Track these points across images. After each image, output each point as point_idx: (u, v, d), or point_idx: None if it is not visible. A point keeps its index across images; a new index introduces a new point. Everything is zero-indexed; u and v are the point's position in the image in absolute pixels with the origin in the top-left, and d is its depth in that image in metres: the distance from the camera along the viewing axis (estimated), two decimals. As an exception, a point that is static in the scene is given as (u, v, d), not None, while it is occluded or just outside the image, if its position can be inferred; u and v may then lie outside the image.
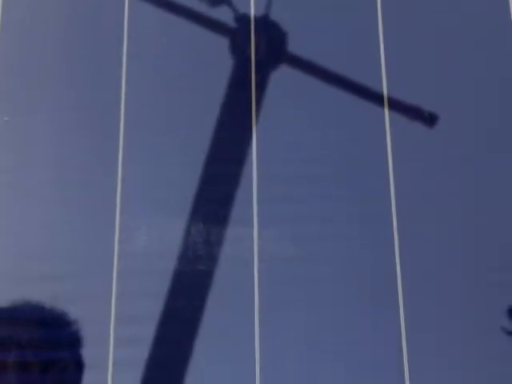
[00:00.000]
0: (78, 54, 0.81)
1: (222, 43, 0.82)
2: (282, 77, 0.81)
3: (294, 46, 0.82)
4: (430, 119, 0.79)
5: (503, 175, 0.77)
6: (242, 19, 0.83)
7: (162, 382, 0.72)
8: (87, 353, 0.72)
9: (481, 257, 0.75)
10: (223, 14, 0.83)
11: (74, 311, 0.73)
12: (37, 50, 0.81)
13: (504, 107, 0.80)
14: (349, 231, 0.76)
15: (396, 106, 0.79)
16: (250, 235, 0.75)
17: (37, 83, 0.80)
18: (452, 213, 0.76)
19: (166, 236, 0.75)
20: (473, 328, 0.73)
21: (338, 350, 0.72)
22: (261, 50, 0.82)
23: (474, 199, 0.77)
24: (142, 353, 0.72)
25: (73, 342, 0.72)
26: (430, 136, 0.79)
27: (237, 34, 0.82)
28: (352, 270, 0.75)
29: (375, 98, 0.80)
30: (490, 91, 0.80)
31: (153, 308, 0.73)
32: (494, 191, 0.77)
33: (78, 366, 0.72)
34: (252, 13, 0.83)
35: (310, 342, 0.73)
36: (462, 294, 0.74)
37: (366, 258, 0.75)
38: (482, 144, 0.79)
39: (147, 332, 0.72)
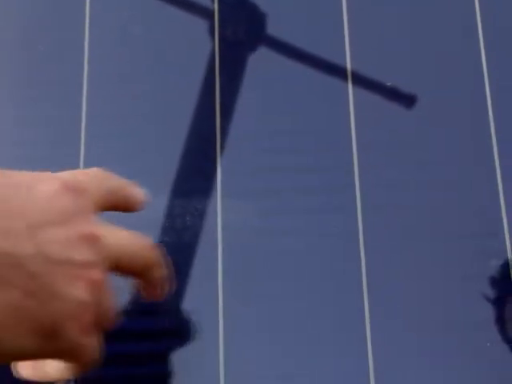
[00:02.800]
0: (39, 26, 0.81)
1: (194, 21, 0.82)
2: (254, 56, 0.81)
3: (270, 26, 0.82)
4: (408, 100, 0.79)
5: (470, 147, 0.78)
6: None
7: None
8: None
9: (451, 224, 0.75)
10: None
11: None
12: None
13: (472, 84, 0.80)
14: (314, 203, 0.76)
15: (375, 88, 0.80)
16: (213, 207, 0.75)
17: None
18: (414, 184, 0.77)
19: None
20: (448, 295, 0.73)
21: (301, 323, 0.72)
22: (235, 31, 0.82)
23: (437, 180, 0.77)
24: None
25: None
26: (395, 113, 0.79)
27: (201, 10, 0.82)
28: (317, 241, 0.75)
29: (341, 73, 0.80)
30: (456, 66, 0.81)
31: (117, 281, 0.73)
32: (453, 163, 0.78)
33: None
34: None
35: (272, 313, 0.73)
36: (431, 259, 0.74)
37: (331, 230, 0.75)
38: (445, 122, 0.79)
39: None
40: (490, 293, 0.72)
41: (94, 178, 0.55)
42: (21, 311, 0.44)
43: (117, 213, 0.75)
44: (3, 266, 0.43)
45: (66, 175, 0.53)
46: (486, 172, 0.77)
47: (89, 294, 0.47)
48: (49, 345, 0.45)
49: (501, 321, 0.71)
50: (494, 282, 0.72)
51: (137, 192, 0.61)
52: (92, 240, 0.48)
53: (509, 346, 0.70)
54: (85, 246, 0.47)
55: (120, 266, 0.53)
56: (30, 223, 0.45)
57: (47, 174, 0.52)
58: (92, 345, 0.49)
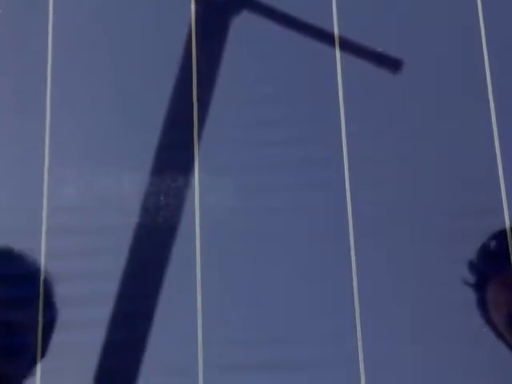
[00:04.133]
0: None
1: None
2: (240, 21, 0.75)
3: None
4: (394, 64, 0.73)
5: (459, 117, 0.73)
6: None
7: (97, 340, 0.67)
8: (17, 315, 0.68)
9: (432, 200, 0.70)
10: None
11: (3, 270, 0.68)
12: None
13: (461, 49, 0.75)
14: (296, 179, 0.70)
15: (362, 53, 0.74)
16: (190, 185, 0.70)
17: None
18: (405, 159, 0.71)
19: (95, 188, 0.69)
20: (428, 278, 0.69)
21: (284, 300, 0.68)
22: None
23: (423, 147, 0.72)
24: (73, 312, 0.67)
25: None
26: (382, 79, 0.74)
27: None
28: (299, 220, 0.70)
29: (329, 39, 0.74)
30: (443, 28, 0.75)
31: (84, 265, 0.68)
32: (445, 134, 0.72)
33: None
34: None
35: (251, 292, 0.68)
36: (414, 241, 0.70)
37: (314, 205, 0.70)
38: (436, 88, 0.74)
39: (78, 290, 0.67)
40: (472, 276, 0.68)
41: None
42: None
43: (82, 193, 0.70)
44: None
45: None
46: (484, 142, 0.71)
47: None
48: None
49: (484, 303, 0.67)
50: (477, 264, 0.68)
51: None
52: None
53: (494, 328, 0.67)
54: None
55: None
56: None
57: None
58: None
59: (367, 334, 0.67)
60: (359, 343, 0.66)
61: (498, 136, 0.71)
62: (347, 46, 0.74)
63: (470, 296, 0.67)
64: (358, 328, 0.67)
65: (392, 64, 0.73)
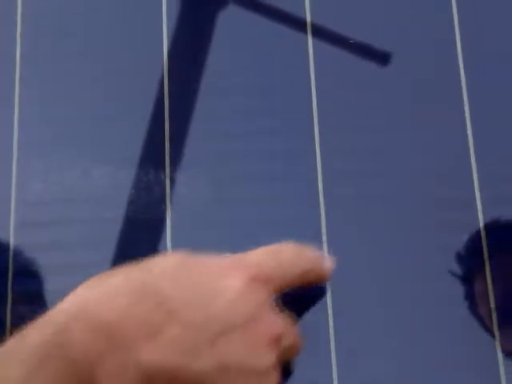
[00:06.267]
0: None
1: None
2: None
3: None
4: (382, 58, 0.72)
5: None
6: None
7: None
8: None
9: (418, 193, 0.69)
10: None
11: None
12: None
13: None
14: (269, 170, 0.70)
15: (343, 45, 0.73)
16: (161, 178, 0.69)
17: None
18: (381, 151, 0.71)
19: (65, 181, 0.68)
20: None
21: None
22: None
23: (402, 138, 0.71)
24: (42, 310, 0.66)
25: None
26: (359, 73, 0.73)
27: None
28: (272, 211, 0.69)
29: (301, 27, 0.74)
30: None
31: (53, 261, 0.67)
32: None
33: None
34: None
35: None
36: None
37: (289, 198, 0.69)
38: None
39: (48, 286, 0.66)
40: (460, 268, 0.67)
41: (282, 264, 0.54)
42: None
43: (50, 186, 0.68)
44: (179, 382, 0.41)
45: (252, 262, 0.51)
46: (458, 139, 0.71)
47: None
48: None
49: (471, 297, 0.66)
50: (464, 257, 0.67)
51: (328, 266, 0.59)
52: (275, 342, 0.46)
53: (479, 321, 0.66)
54: (267, 349, 0.46)
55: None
56: (213, 333, 0.43)
57: (231, 265, 0.50)
58: None
59: (342, 324, 0.66)
60: (331, 334, 0.65)
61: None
62: (321, 34, 0.73)
63: (457, 288, 0.66)
64: (331, 319, 0.66)
65: (377, 56, 0.72)
